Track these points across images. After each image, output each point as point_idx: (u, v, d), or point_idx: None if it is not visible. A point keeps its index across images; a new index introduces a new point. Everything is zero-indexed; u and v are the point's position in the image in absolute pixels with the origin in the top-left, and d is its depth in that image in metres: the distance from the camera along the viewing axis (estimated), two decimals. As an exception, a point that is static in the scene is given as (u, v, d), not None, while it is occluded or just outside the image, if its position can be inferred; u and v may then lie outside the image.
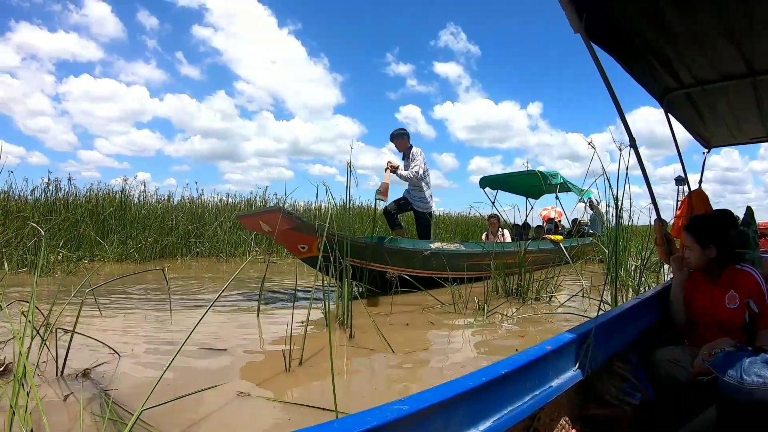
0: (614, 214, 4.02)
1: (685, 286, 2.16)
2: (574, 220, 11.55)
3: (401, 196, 6.39)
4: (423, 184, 6.13)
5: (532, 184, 9.63)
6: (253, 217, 4.69)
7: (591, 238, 9.53)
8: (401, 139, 6.28)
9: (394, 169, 5.88)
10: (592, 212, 11.03)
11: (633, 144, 2.45)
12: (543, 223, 9.45)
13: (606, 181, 3.50)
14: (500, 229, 8.16)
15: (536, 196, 11.23)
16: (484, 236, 8.63)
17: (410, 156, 6.16)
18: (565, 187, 9.52)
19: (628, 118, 2.36)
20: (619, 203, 3.40)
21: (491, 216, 8.54)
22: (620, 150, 3.09)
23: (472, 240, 9.74)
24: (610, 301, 3.64)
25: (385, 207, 6.23)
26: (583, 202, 10.61)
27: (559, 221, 10.42)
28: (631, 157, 2.52)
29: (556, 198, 8.41)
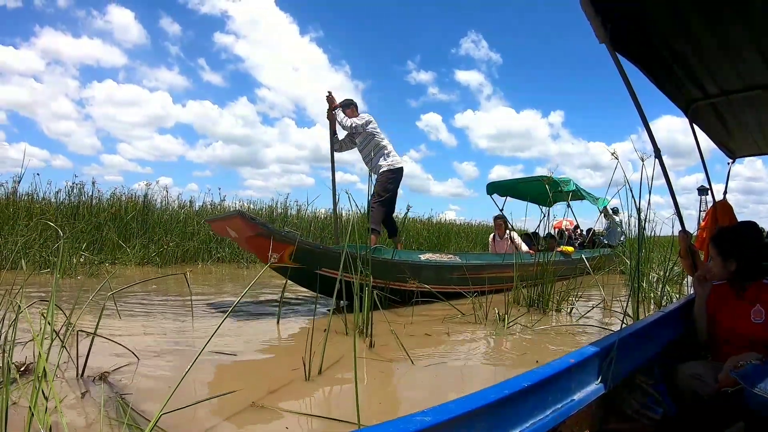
0: (637, 225, 3.94)
1: (710, 300, 2.11)
2: (589, 230, 11.33)
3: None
4: (367, 135, 5.64)
5: (541, 191, 9.01)
6: (220, 222, 4.27)
7: (607, 249, 9.33)
8: (352, 109, 5.78)
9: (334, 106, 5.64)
10: (607, 222, 10.78)
11: (658, 154, 2.41)
12: (555, 232, 9.15)
13: (628, 190, 3.43)
14: (508, 232, 7.78)
15: (546, 204, 10.82)
16: (490, 238, 8.27)
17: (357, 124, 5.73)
18: (579, 194, 9.25)
19: (651, 127, 2.33)
20: (642, 213, 3.34)
21: (498, 217, 8.14)
22: (643, 160, 3.04)
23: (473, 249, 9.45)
24: (631, 314, 3.56)
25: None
26: (600, 211, 10.41)
27: (573, 231, 10.05)
28: (655, 167, 2.49)
29: (568, 206, 8.10)
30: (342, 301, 4.26)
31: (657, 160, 2.43)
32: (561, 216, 9.78)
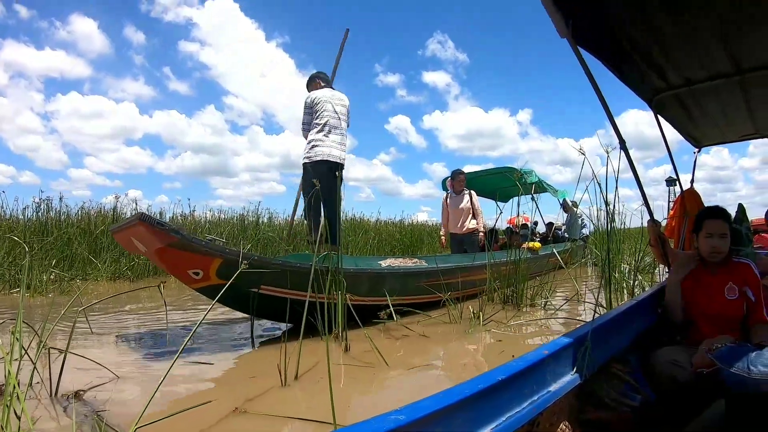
0: (606, 218, 4.02)
1: (684, 283, 2.18)
2: (549, 224, 11.32)
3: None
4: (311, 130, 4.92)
5: (502, 184, 9.03)
6: (123, 231, 3.08)
7: (568, 243, 9.30)
8: (313, 83, 5.23)
9: None
10: (568, 215, 10.73)
11: (623, 146, 2.43)
12: (513, 228, 8.89)
13: (596, 184, 3.51)
14: (465, 189, 6.88)
15: (506, 199, 10.52)
16: (444, 197, 7.17)
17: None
18: (541, 186, 9.06)
19: (617, 121, 2.36)
20: (610, 206, 3.41)
21: (459, 171, 6.97)
22: (608, 153, 3.10)
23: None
24: (605, 304, 3.65)
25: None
26: (560, 203, 10.39)
27: (523, 227, 9.57)
28: (622, 159, 2.53)
29: (532, 199, 7.79)
30: (286, 324, 3.75)
31: (622, 151, 2.46)
32: (514, 213, 9.58)
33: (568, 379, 1.43)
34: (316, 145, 4.83)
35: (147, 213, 3.01)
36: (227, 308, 4.09)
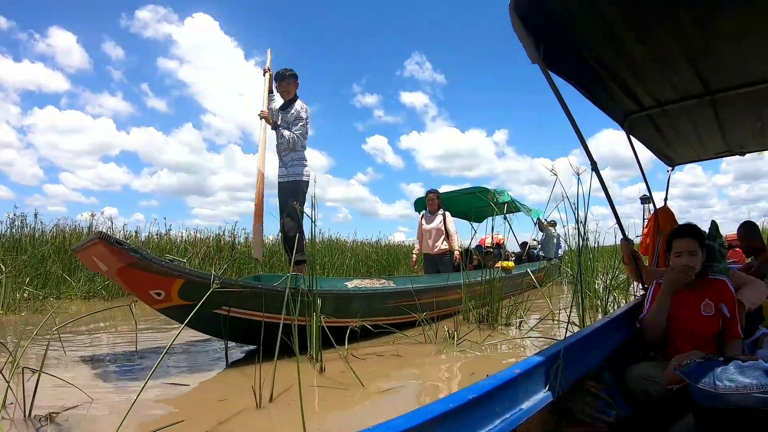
0: (578, 237, 4.12)
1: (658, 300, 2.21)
2: (523, 244, 11.40)
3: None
4: (300, 147, 4.80)
5: (476, 204, 9.03)
6: (84, 250, 3.09)
7: (542, 262, 9.35)
8: (291, 82, 4.82)
9: (269, 121, 4.71)
10: (543, 234, 10.82)
11: (594, 168, 2.45)
12: (484, 248, 8.88)
13: (569, 204, 3.62)
14: (439, 209, 7.00)
15: (480, 219, 10.54)
16: (420, 216, 7.30)
17: (293, 110, 4.76)
18: (513, 206, 9.08)
19: (591, 141, 2.43)
20: (582, 226, 3.50)
21: (431, 191, 7.08)
22: (578, 174, 3.18)
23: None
24: (578, 322, 3.74)
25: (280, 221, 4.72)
26: (534, 222, 10.46)
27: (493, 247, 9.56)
28: (594, 179, 2.59)
29: (505, 219, 7.76)
30: (247, 346, 3.82)
31: (594, 173, 2.47)
32: (486, 233, 9.48)
33: (541, 396, 1.43)
34: (306, 164, 4.80)
35: (105, 232, 3.02)
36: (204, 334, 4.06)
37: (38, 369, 2.38)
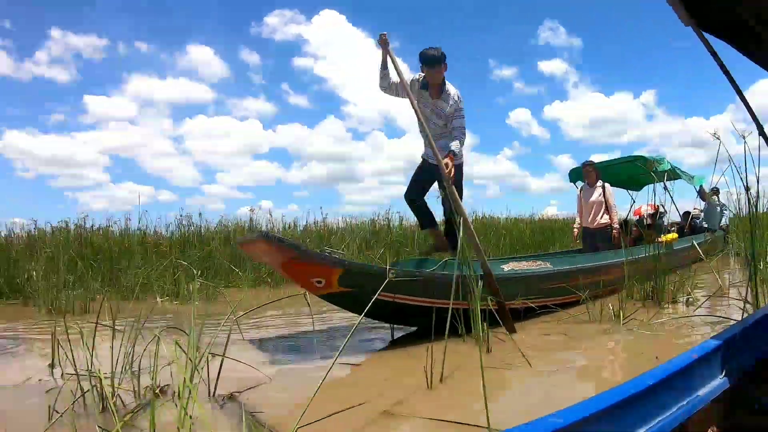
0: (747, 204, 3.55)
1: None
2: (686, 213, 10.26)
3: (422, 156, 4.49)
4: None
5: (633, 172, 8.42)
6: (246, 245, 3.51)
7: (707, 234, 8.59)
8: (441, 66, 4.08)
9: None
10: (705, 203, 9.75)
11: (760, 131, 2.24)
12: (644, 219, 8.08)
13: (734, 168, 3.12)
14: (598, 180, 6.66)
15: (638, 188, 9.80)
16: (578, 190, 7.10)
17: (450, 100, 4.15)
18: (674, 174, 8.39)
19: (748, 94, 2.15)
20: (752, 190, 3.01)
21: (587, 163, 6.81)
22: (744, 137, 2.77)
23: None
24: (751, 300, 3.29)
25: (406, 194, 4.52)
26: (697, 191, 9.44)
27: (651, 217, 8.58)
28: (761, 141, 2.26)
29: (665, 188, 7.01)
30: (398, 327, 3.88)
31: (761, 137, 2.29)
32: (650, 201, 8.60)
33: (717, 383, 1.40)
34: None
35: (267, 231, 3.38)
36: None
37: (221, 354, 2.51)
